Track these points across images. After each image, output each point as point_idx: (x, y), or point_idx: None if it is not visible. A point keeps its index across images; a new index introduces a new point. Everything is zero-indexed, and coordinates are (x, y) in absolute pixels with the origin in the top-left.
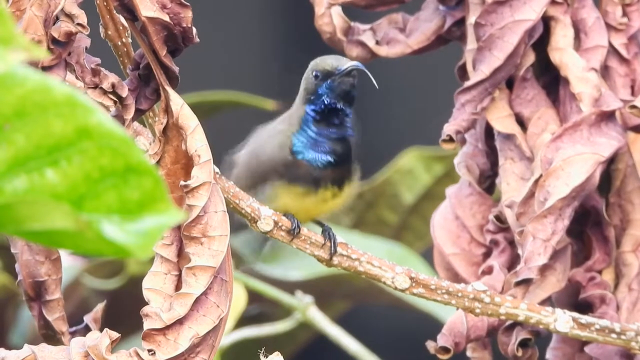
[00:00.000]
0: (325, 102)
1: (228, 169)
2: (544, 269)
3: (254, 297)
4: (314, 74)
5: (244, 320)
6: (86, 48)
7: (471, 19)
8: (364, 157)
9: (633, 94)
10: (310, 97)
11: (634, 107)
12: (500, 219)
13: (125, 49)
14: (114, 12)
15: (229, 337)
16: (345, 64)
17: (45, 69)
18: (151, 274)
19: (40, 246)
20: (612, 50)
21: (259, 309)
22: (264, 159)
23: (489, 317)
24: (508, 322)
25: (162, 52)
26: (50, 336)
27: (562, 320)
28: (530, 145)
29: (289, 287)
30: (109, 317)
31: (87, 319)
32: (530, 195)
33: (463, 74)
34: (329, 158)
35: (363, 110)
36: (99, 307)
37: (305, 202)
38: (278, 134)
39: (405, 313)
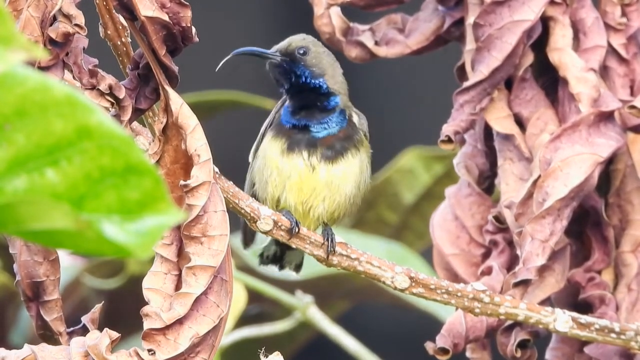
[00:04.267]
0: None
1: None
2: (542, 270)
3: (254, 297)
4: None
5: (244, 320)
6: (84, 48)
7: (470, 20)
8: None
9: (632, 94)
10: None
11: (633, 107)
12: (499, 219)
13: (124, 49)
14: (114, 11)
15: (229, 337)
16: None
17: (43, 69)
18: (151, 274)
19: (38, 247)
20: (611, 50)
21: (259, 308)
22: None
23: (488, 316)
24: (507, 323)
25: (162, 51)
26: (47, 336)
27: (561, 320)
28: (529, 146)
29: (289, 286)
30: (109, 317)
31: (85, 319)
32: (529, 195)
33: (462, 74)
34: (295, 122)
35: (363, 110)
36: (97, 308)
37: (290, 166)
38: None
39: (405, 313)
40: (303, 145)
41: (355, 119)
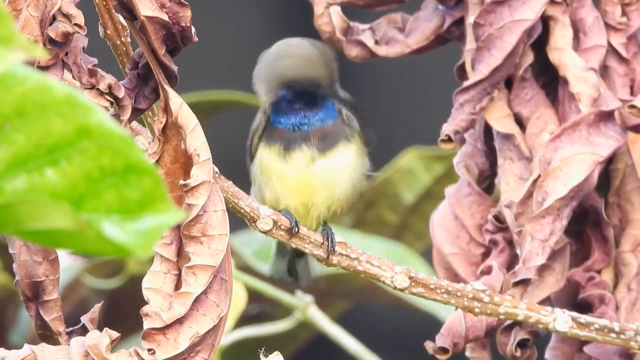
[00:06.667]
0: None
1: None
2: (542, 269)
3: (254, 296)
4: None
5: (244, 319)
6: (84, 48)
7: (470, 19)
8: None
9: (632, 93)
10: None
11: (633, 106)
12: (499, 218)
13: (124, 48)
14: (113, 11)
15: (229, 337)
16: None
17: (42, 69)
18: (151, 274)
19: (38, 246)
20: (611, 50)
21: (259, 308)
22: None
23: (488, 316)
24: (507, 322)
25: (161, 51)
26: (47, 336)
27: (561, 320)
28: (529, 145)
29: (289, 287)
30: (109, 316)
31: (84, 319)
32: (529, 195)
33: (462, 73)
34: (285, 118)
35: (363, 110)
36: (96, 308)
37: (289, 168)
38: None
39: (405, 313)
40: (298, 143)
41: (344, 113)
